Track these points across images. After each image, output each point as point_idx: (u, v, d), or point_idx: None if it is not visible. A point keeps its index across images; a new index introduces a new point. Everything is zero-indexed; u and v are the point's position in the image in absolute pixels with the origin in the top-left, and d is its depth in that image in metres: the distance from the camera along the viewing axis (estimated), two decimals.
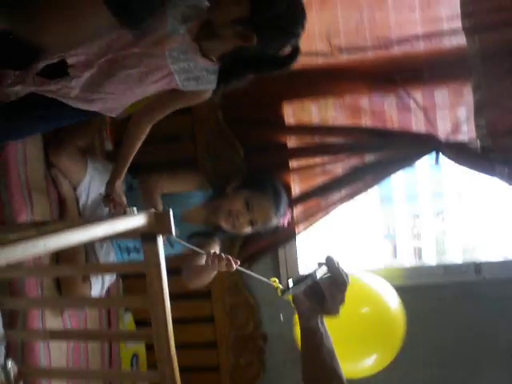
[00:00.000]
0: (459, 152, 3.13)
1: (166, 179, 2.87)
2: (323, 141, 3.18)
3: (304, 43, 3.17)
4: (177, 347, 1.63)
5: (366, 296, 2.75)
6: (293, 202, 3.21)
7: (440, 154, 3.14)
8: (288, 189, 3.20)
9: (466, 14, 3.10)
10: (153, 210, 1.57)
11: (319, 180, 3.20)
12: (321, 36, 3.21)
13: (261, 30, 1.99)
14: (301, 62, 3.13)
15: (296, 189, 3.24)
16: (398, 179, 3.26)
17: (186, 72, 2.13)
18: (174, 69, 2.12)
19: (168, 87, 2.18)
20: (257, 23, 1.98)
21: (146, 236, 1.58)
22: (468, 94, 3.14)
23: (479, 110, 3.11)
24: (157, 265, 1.58)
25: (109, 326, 3.15)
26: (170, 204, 2.38)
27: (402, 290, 3.05)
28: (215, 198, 2.95)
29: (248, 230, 2.83)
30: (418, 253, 3.44)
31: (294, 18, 2.06)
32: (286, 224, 2.91)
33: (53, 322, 2.62)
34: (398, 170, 3.17)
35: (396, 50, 3.16)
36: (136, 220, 1.51)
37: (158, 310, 1.59)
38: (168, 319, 1.59)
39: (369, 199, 3.31)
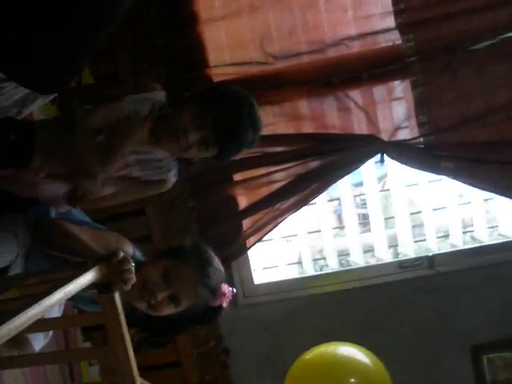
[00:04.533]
0: (403, 151, 3.12)
1: None
2: (265, 150, 3.13)
3: (237, 52, 3.19)
4: (141, 370, 1.61)
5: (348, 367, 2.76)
6: (240, 215, 3.17)
7: (384, 154, 3.12)
8: (234, 203, 3.15)
9: (398, 11, 3.09)
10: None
11: (265, 191, 3.15)
12: (254, 44, 3.15)
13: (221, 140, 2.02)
14: (235, 71, 3.17)
15: (242, 202, 3.19)
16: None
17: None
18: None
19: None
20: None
21: (100, 287, 1.55)
22: (407, 92, 3.12)
23: (420, 107, 3.10)
24: (115, 314, 1.56)
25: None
26: None
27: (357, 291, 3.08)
28: None
29: (169, 310, 2.08)
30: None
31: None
32: (225, 304, 2.15)
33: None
34: (344, 174, 3.15)
35: (331, 53, 3.15)
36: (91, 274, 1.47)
37: (121, 361, 1.57)
38: (135, 376, 1.56)
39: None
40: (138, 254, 2.12)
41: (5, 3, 1.47)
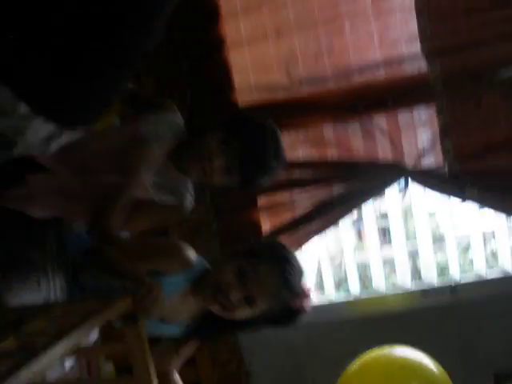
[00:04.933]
0: (427, 177, 3.10)
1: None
2: (290, 175, 3.13)
3: (263, 77, 3.20)
4: None
5: (409, 371, 2.64)
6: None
7: (408, 179, 3.11)
8: (258, 227, 3.15)
9: (425, 38, 3.07)
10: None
11: (289, 215, 3.15)
12: (280, 68, 3.16)
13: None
14: (261, 96, 3.18)
15: (266, 226, 3.19)
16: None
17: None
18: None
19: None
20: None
21: (126, 318, 1.55)
22: (433, 119, 3.11)
23: (444, 134, 3.09)
24: (140, 347, 1.55)
25: None
26: None
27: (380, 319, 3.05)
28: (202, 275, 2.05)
29: (244, 312, 1.95)
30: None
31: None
32: (305, 307, 2.01)
33: None
34: (367, 199, 3.14)
35: (357, 78, 3.13)
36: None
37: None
38: None
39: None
40: (202, 262, 2.04)
41: (38, 44, 1.48)
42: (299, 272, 1.99)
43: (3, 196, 1.96)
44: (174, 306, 2.00)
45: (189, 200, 2.17)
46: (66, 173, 2.01)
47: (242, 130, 2.07)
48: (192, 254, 2.01)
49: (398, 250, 3.39)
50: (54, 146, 1.70)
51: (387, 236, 3.52)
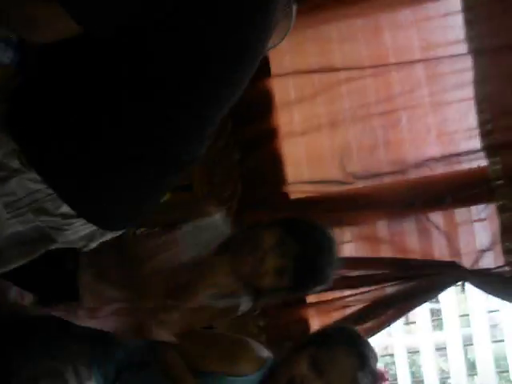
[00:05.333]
0: (487, 280, 2.94)
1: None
2: (341, 273, 2.99)
3: (316, 169, 3.12)
4: None
5: None
6: None
7: (466, 281, 2.96)
8: (306, 325, 3.03)
9: (485, 133, 2.96)
10: None
11: (338, 315, 3.02)
12: (334, 161, 3.07)
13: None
14: (313, 190, 3.09)
15: (314, 325, 3.06)
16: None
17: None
18: None
19: None
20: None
21: None
22: (493, 216, 2.97)
23: (506, 233, 2.94)
24: None
25: None
26: None
27: None
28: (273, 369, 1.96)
29: None
30: None
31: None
32: None
33: None
34: (422, 301, 2.99)
35: (413, 174, 3.02)
36: None
37: None
38: None
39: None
40: (271, 357, 1.97)
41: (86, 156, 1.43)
42: (375, 353, 1.93)
43: (54, 308, 1.91)
44: None
45: (245, 304, 2.08)
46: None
47: (303, 233, 1.98)
48: (264, 352, 1.96)
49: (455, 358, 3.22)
50: (96, 243, 1.64)
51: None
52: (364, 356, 1.87)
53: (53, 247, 1.58)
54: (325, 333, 2.02)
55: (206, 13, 1.36)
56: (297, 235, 1.96)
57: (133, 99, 1.40)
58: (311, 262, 1.96)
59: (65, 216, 1.47)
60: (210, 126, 1.58)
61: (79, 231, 1.53)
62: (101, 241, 1.64)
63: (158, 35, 1.36)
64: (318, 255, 1.97)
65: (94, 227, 1.54)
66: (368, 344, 1.94)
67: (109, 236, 1.66)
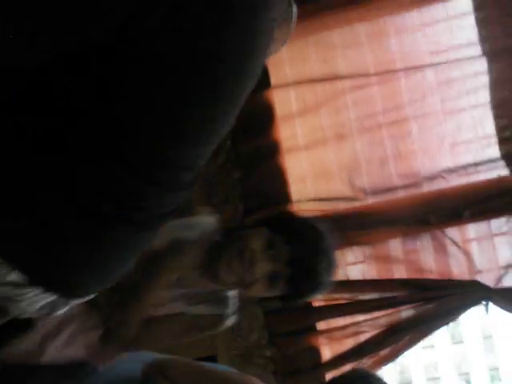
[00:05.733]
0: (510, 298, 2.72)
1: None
2: (353, 297, 2.80)
3: (322, 186, 2.92)
4: None
5: None
6: (323, 368, 2.82)
7: (489, 302, 2.74)
8: (317, 354, 2.82)
9: (503, 140, 2.75)
10: None
11: (352, 342, 2.81)
12: (341, 176, 2.87)
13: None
14: (320, 207, 2.89)
15: (326, 353, 2.84)
16: None
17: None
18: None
19: None
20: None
21: None
22: None
23: None
24: None
25: None
26: None
27: None
28: None
29: None
30: None
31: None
32: None
33: None
34: (441, 325, 2.78)
35: (427, 187, 2.84)
36: None
37: None
38: None
39: None
40: None
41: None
42: None
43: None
44: None
45: (230, 310, 1.85)
46: None
47: (294, 233, 1.73)
48: None
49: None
50: (62, 310, 1.38)
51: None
52: None
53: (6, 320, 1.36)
54: (341, 379, 1.88)
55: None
56: (286, 235, 1.72)
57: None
58: (307, 265, 1.72)
59: (16, 285, 1.21)
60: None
61: (36, 302, 1.28)
62: (68, 308, 1.40)
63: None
64: (313, 257, 1.72)
65: (54, 296, 1.29)
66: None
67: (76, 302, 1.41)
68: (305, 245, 1.73)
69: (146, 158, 1.17)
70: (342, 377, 1.90)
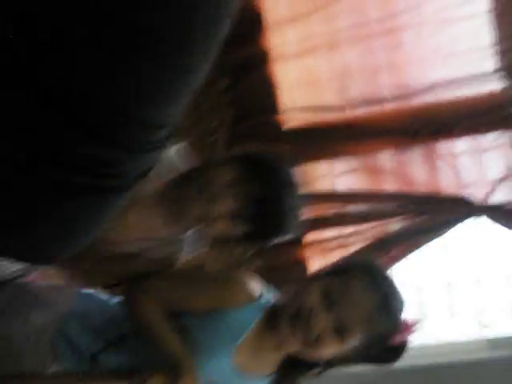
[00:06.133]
0: (502, 214, 2.72)
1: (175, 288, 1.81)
2: (340, 209, 2.78)
3: (312, 96, 2.86)
4: None
5: None
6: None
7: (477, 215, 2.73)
8: (303, 267, 2.80)
9: (501, 51, 2.69)
10: None
11: (338, 255, 2.80)
12: (331, 86, 2.81)
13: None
14: (309, 118, 2.83)
15: (313, 266, 2.84)
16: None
17: None
18: None
19: None
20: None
21: None
22: (507, 147, 2.74)
23: None
24: None
25: None
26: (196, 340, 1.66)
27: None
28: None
29: (333, 346, 1.59)
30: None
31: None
32: (406, 340, 1.67)
33: None
34: (429, 239, 2.76)
35: (419, 99, 2.79)
36: None
37: None
38: None
39: None
40: (269, 294, 1.74)
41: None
42: (399, 298, 1.64)
43: None
44: (250, 351, 1.66)
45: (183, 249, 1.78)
46: None
47: (266, 172, 1.65)
48: (258, 286, 1.72)
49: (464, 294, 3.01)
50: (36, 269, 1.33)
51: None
52: (385, 294, 1.61)
53: None
54: (344, 263, 1.86)
55: None
56: (258, 174, 1.63)
57: None
58: (274, 206, 1.63)
59: None
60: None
61: (7, 268, 1.22)
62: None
63: None
64: (282, 199, 1.64)
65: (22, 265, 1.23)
66: (393, 284, 1.66)
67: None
68: (276, 186, 1.65)
69: (112, 124, 1.08)
70: (353, 259, 1.83)
